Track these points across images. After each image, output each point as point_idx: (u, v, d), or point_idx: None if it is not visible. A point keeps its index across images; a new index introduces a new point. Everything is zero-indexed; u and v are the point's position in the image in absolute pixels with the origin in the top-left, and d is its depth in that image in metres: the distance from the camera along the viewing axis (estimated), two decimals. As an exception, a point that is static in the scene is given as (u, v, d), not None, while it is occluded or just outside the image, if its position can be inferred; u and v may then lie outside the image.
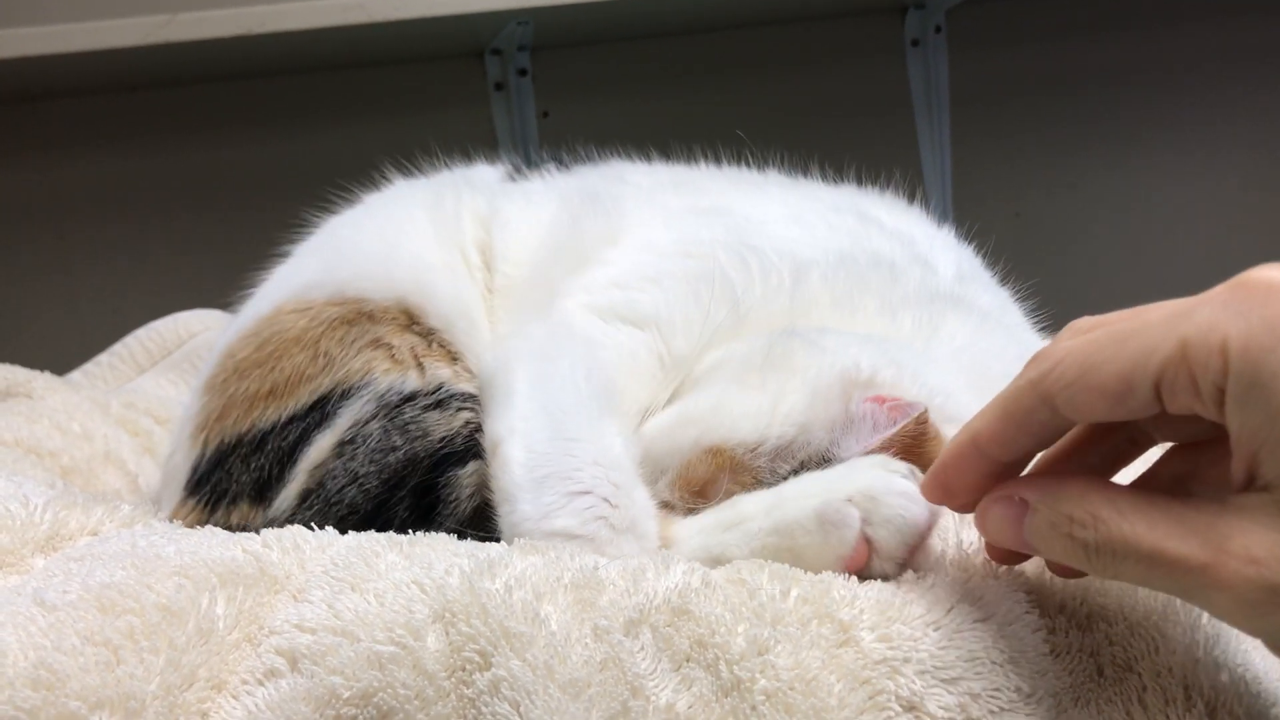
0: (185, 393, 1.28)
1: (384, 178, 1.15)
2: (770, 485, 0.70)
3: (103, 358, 1.40)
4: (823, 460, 0.71)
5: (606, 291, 0.89)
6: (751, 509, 0.66)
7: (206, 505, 0.83)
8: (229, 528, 0.71)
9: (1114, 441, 0.56)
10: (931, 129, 2.50)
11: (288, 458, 0.81)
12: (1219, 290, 0.45)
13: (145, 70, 2.02)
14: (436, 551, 0.61)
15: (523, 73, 2.33)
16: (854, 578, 0.60)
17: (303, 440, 0.81)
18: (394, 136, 2.26)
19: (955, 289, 0.90)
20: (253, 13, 1.81)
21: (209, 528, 0.66)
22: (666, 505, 0.72)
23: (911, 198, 1.10)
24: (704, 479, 0.71)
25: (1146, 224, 2.52)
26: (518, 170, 1.15)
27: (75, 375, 1.37)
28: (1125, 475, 0.56)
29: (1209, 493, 0.48)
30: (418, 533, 0.65)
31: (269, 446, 0.82)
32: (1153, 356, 0.45)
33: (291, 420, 0.83)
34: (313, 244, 1.03)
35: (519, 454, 0.72)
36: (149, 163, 2.19)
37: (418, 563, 0.59)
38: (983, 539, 0.59)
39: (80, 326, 2.17)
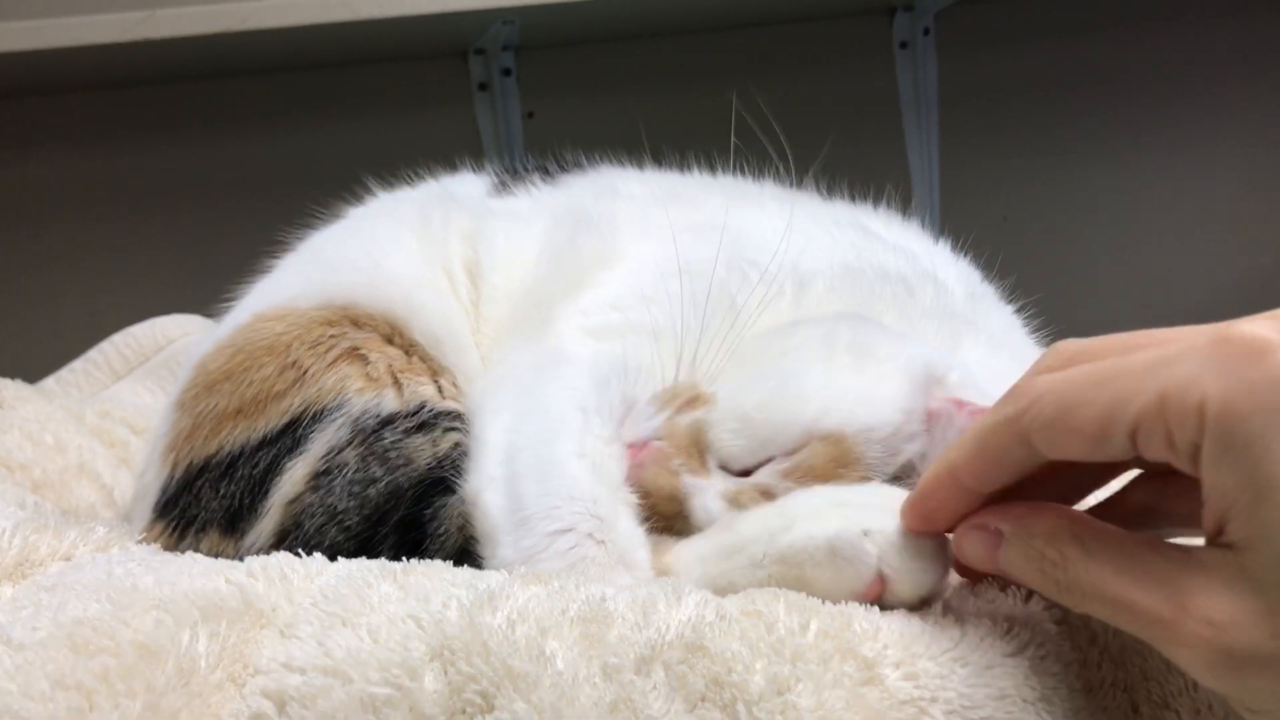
0: (163, 400, 1.24)
1: (365, 189, 1.11)
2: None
3: (77, 364, 1.35)
4: (909, 465, 0.68)
5: (602, 314, 0.86)
6: (753, 531, 0.62)
7: (175, 530, 0.79)
8: None
9: (1090, 467, 0.55)
10: (920, 131, 2.48)
11: (259, 487, 0.77)
12: (1203, 341, 0.44)
13: (123, 67, 1.97)
14: (433, 581, 0.57)
15: (507, 73, 2.29)
16: (875, 607, 0.56)
17: (274, 469, 0.77)
18: (376, 136, 2.23)
19: (967, 308, 0.87)
20: (234, 9, 1.77)
21: (190, 554, 0.63)
22: (765, 494, 0.68)
23: (899, 200, 1.07)
24: (824, 474, 0.67)
25: (1136, 227, 2.50)
26: (503, 182, 1.11)
27: (48, 382, 1.32)
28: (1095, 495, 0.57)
29: (1174, 526, 0.51)
30: (412, 560, 0.62)
31: (239, 473, 0.78)
32: (1130, 405, 0.44)
33: (262, 444, 0.78)
34: (295, 259, 1.00)
35: (497, 499, 0.69)
36: (127, 162, 2.14)
37: (413, 594, 0.55)
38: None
39: (54, 331, 2.11)
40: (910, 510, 0.57)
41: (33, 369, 1.38)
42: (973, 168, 2.46)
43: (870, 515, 0.58)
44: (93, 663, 0.48)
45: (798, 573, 0.58)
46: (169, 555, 0.63)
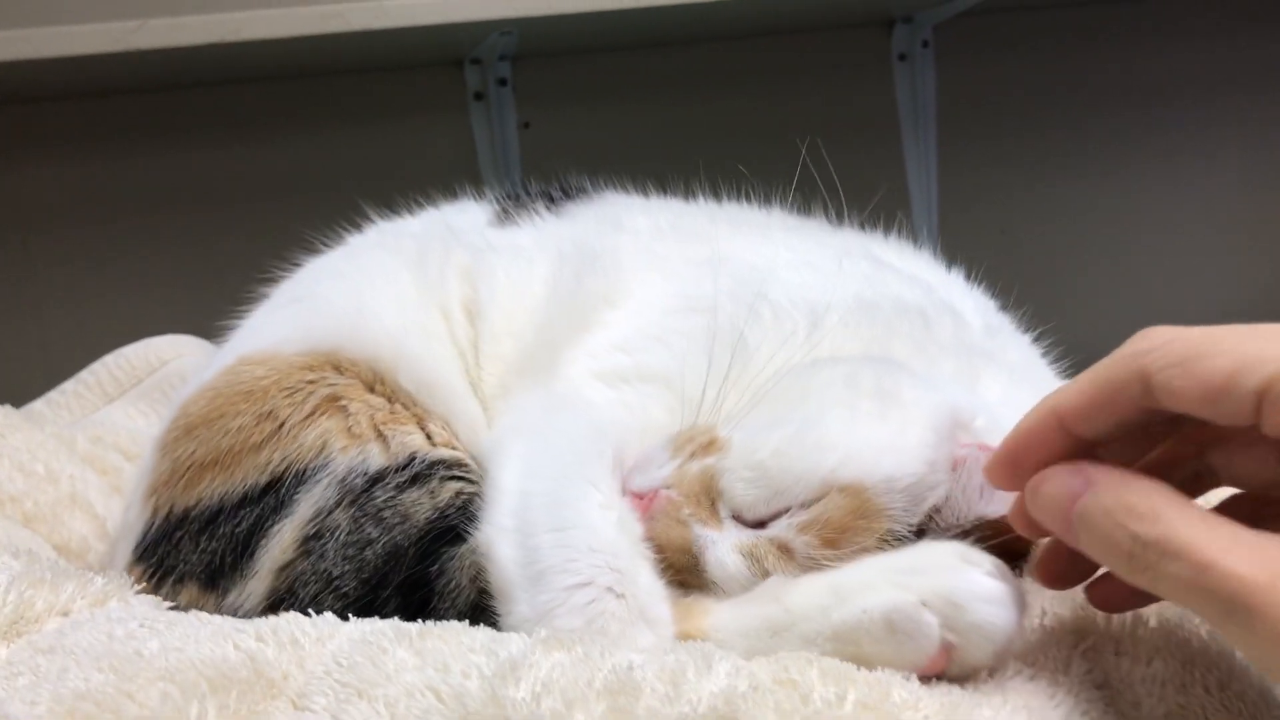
0: (156, 425, 1.21)
1: (363, 216, 1.08)
2: (901, 537, 0.63)
3: (67, 385, 1.32)
4: (935, 511, 0.65)
5: (611, 356, 0.83)
6: (804, 606, 0.59)
7: (153, 576, 0.76)
8: (177, 608, 0.66)
9: (1181, 472, 0.54)
10: (918, 144, 2.46)
11: (243, 549, 0.74)
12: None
13: (116, 77, 1.93)
14: (450, 646, 0.55)
15: (503, 83, 2.27)
16: (914, 676, 0.54)
17: (258, 531, 0.74)
18: (371, 146, 2.20)
19: (986, 342, 0.85)
20: (227, 20, 1.74)
21: (195, 614, 0.60)
22: (782, 547, 0.65)
23: (897, 214, 1.05)
24: (841, 526, 0.64)
25: (1134, 239, 2.49)
26: (505, 211, 1.08)
27: (38, 405, 1.29)
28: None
29: None
30: (427, 621, 0.59)
31: (220, 530, 0.75)
32: (1266, 365, 0.44)
33: (243, 502, 0.76)
34: (290, 292, 0.97)
35: (511, 551, 0.66)
36: (119, 173, 2.10)
37: (430, 662, 0.53)
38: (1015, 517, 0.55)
39: (43, 351, 2.08)
40: (999, 460, 0.54)
41: (17, 387, 1.35)
42: (971, 180, 2.45)
43: (927, 580, 0.55)
44: (96, 743, 0.46)
45: (855, 650, 0.55)
46: (173, 615, 0.60)
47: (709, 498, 0.68)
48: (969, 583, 0.54)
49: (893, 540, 0.64)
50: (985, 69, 2.45)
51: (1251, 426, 0.45)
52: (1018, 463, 0.53)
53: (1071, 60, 2.46)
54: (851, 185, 1.04)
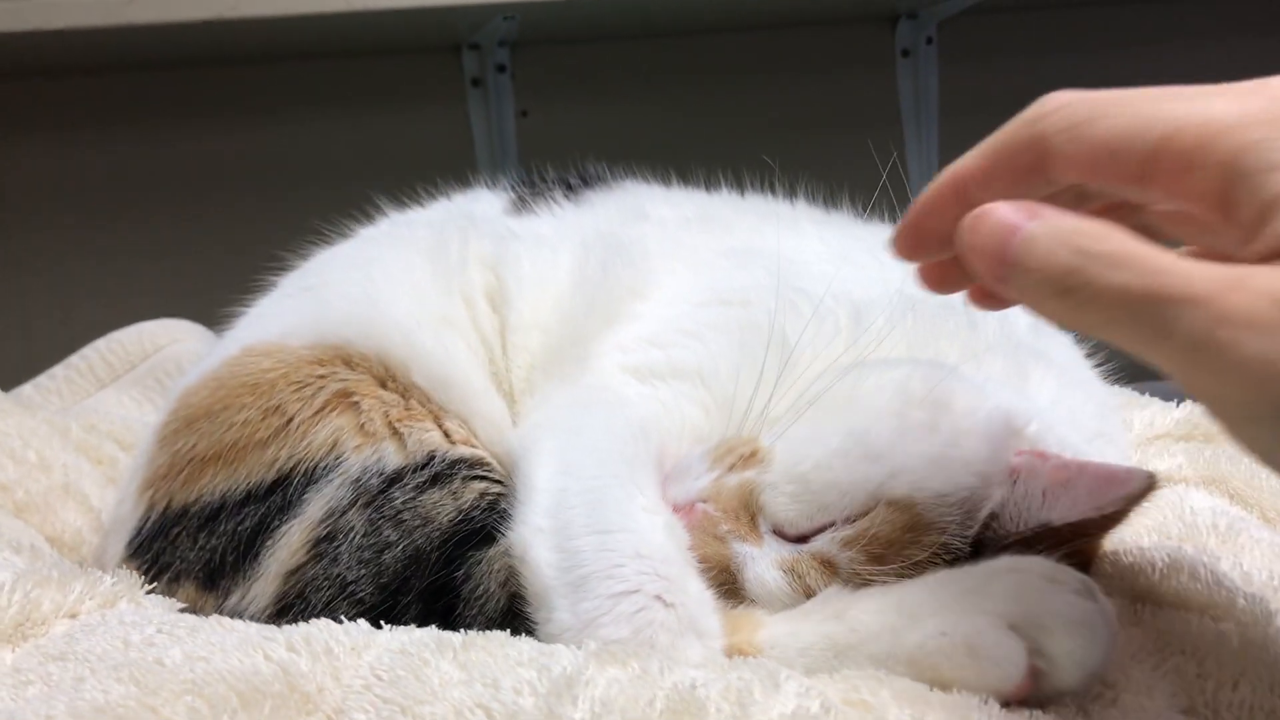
0: (150, 413, 1.17)
1: (375, 207, 1.04)
2: (955, 549, 0.59)
3: (58, 370, 1.27)
4: (992, 519, 0.61)
5: (642, 351, 0.79)
6: (871, 626, 0.55)
7: (148, 574, 0.72)
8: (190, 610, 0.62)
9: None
10: (920, 141, 2.44)
11: (246, 549, 0.70)
12: (1246, 86, 0.44)
13: (105, 53, 1.88)
14: (496, 659, 0.51)
15: (501, 69, 2.22)
16: (993, 700, 0.51)
17: (264, 530, 0.70)
18: (366, 131, 2.16)
19: (1031, 340, 0.81)
20: (224, -5, 1.69)
21: (217, 619, 0.56)
22: (825, 563, 0.61)
23: (898, 210, 1.02)
24: (889, 541, 0.60)
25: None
26: (522, 199, 1.04)
27: (27, 389, 1.24)
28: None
29: None
30: (474, 627, 0.55)
31: (222, 529, 0.71)
32: (1156, 126, 0.43)
33: (247, 500, 0.72)
34: (298, 282, 0.93)
35: (548, 555, 0.61)
36: (109, 153, 2.05)
37: (478, 676, 0.49)
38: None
39: (30, 335, 2.02)
40: (903, 232, 0.53)
41: (7, 375, 1.30)
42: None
43: (1011, 601, 0.51)
44: (120, 764, 0.42)
45: (932, 675, 0.52)
46: (193, 620, 0.56)
47: (748, 512, 0.64)
48: (1057, 604, 0.51)
49: (945, 553, 0.61)
50: (988, 66, 2.42)
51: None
52: (920, 232, 0.52)
53: (1074, 59, 2.44)
54: (852, 181, 1.01)
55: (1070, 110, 0.46)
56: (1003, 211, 0.46)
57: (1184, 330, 0.39)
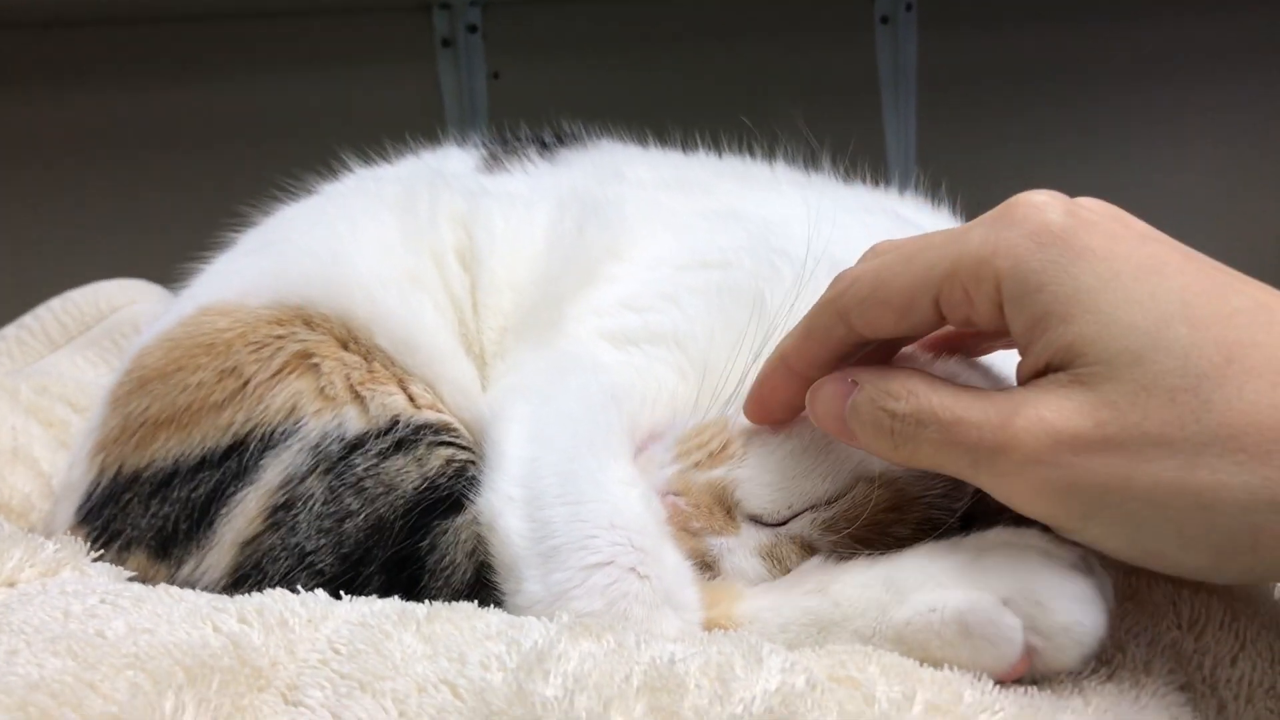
0: (106, 375, 1.13)
1: (341, 164, 1.00)
2: (941, 524, 0.57)
3: (9, 330, 1.22)
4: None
5: (618, 314, 0.76)
6: (856, 601, 0.53)
7: (98, 541, 0.69)
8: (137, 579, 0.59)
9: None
10: (897, 109, 2.41)
11: (200, 516, 0.66)
12: (991, 214, 0.51)
13: (62, 7, 1.82)
14: (463, 632, 0.48)
15: (473, 29, 2.17)
16: (986, 676, 0.48)
17: (218, 498, 0.66)
18: (333, 91, 2.11)
19: None
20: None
21: (164, 587, 0.52)
22: (805, 546, 0.59)
23: (875, 178, 1.00)
24: (871, 521, 0.57)
25: (1115, 215, 2.47)
26: (494, 156, 1.00)
27: (-24, 350, 1.20)
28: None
29: None
30: (440, 599, 0.52)
31: (174, 495, 0.68)
32: (933, 273, 0.51)
33: (201, 465, 0.68)
34: (258, 239, 0.89)
35: (518, 524, 0.59)
36: (66, 109, 1.99)
37: (443, 650, 0.46)
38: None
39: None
40: (751, 403, 0.61)
41: (-43, 334, 1.25)
42: (950, 148, 2.40)
43: (1005, 576, 0.49)
44: (53, 744, 0.39)
45: (922, 654, 0.49)
46: (139, 590, 0.52)
47: (723, 507, 0.62)
48: (1054, 578, 0.48)
49: (931, 526, 0.58)
50: (969, 36, 2.40)
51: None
52: (765, 405, 0.61)
53: (1057, 32, 2.42)
54: (828, 147, 0.98)
55: (859, 286, 0.54)
56: (828, 389, 0.55)
57: (983, 471, 0.48)
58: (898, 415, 0.51)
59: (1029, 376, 0.49)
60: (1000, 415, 0.47)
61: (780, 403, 0.60)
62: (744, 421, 0.64)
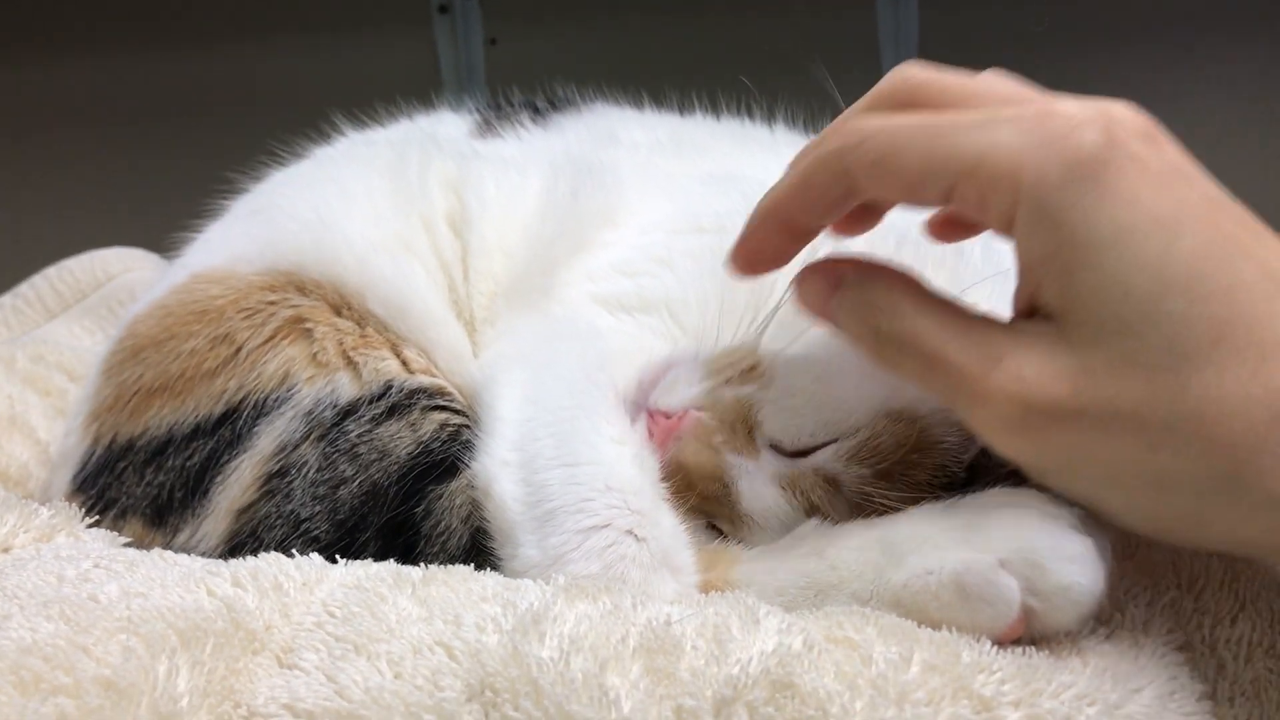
0: (103, 344, 1.13)
1: (332, 126, 0.99)
2: (952, 474, 0.57)
3: (5, 299, 1.21)
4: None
5: (612, 279, 0.76)
6: (853, 564, 0.53)
7: (93, 509, 0.68)
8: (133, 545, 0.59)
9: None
10: (898, 79, 2.40)
11: (195, 484, 0.66)
12: (1029, 112, 0.47)
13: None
14: (458, 595, 0.48)
15: (470, -6, 2.16)
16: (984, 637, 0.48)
17: (213, 466, 0.66)
18: (328, 57, 2.09)
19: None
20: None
21: (157, 551, 0.52)
22: (829, 480, 0.58)
23: None
24: (893, 456, 0.57)
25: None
26: (487, 121, 0.99)
27: (-28, 319, 1.19)
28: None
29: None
30: (434, 564, 0.52)
31: (169, 464, 0.67)
32: (951, 161, 0.47)
33: (195, 434, 0.68)
34: (250, 205, 0.88)
35: (514, 488, 0.59)
36: (60, 77, 1.97)
37: (439, 613, 0.46)
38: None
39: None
40: (737, 253, 0.57)
41: (-48, 304, 1.25)
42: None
43: (1002, 536, 0.49)
44: (45, 707, 0.38)
45: (919, 616, 0.49)
46: (133, 554, 0.52)
47: (745, 426, 0.61)
48: (1052, 539, 0.48)
49: (944, 476, 0.58)
50: (970, 9, 2.38)
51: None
52: (751, 254, 0.57)
53: (1060, 4, 2.40)
54: (829, 118, 0.97)
55: (873, 144, 0.49)
56: (814, 281, 0.54)
57: (958, 408, 0.48)
58: (881, 332, 0.50)
59: (1022, 309, 0.48)
60: (980, 364, 0.46)
61: (770, 256, 0.57)
62: (771, 348, 0.64)
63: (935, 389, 0.49)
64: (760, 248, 0.56)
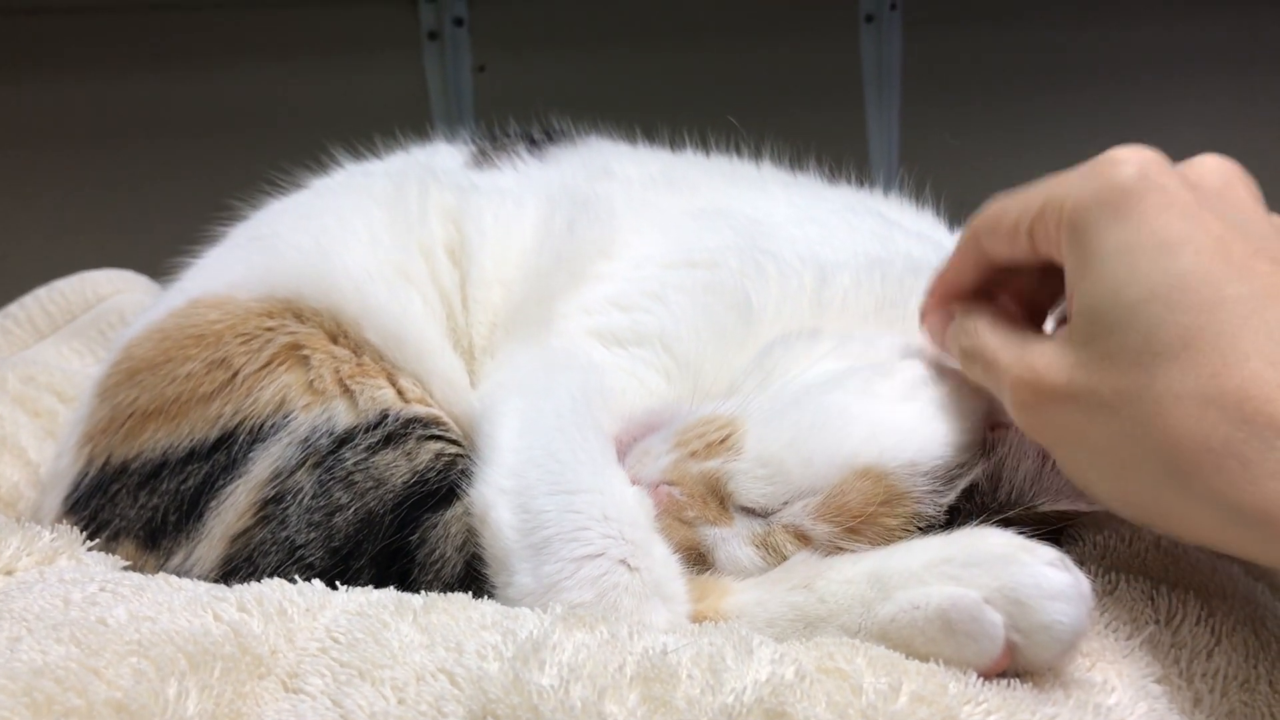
0: (92, 365, 1.13)
1: (330, 158, 1.00)
2: (931, 518, 0.59)
3: (-6, 320, 1.22)
4: (973, 490, 0.61)
5: (607, 313, 0.77)
6: (841, 598, 0.54)
7: (85, 531, 0.69)
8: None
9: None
10: (881, 109, 2.42)
11: (189, 509, 0.67)
12: (1087, 164, 0.54)
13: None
14: (459, 623, 0.49)
15: (459, 22, 2.17)
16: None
17: (207, 490, 0.67)
18: (318, 82, 2.10)
19: None
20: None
21: (162, 576, 0.53)
22: (799, 535, 0.60)
23: (859, 179, 1.01)
24: (861, 514, 0.59)
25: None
26: (483, 152, 1.01)
27: (-39, 339, 1.19)
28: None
29: None
30: (430, 592, 0.53)
31: (163, 487, 0.68)
32: (1029, 209, 0.56)
33: (190, 458, 0.69)
34: (248, 233, 0.89)
35: (510, 516, 0.60)
36: (55, 99, 1.97)
37: (440, 640, 0.47)
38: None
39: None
40: (931, 312, 0.66)
41: (-60, 324, 1.25)
42: (933, 148, 2.41)
43: (985, 573, 0.50)
44: (59, 728, 0.39)
45: (906, 649, 0.50)
46: (138, 579, 0.53)
47: (717, 498, 0.63)
48: (1034, 576, 0.49)
49: (920, 521, 0.60)
50: (953, 36, 2.41)
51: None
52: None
53: (1041, 31, 2.43)
54: (815, 144, 0.99)
55: (987, 213, 0.60)
56: (933, 321, 0.65)
57: (1005, 400, 0.56)
58: (964, 348, 0.60)
59: (1060, 320, 0.57)
60: (1012, 360, 0.55)
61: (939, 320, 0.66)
62: (744, 415, 0.66)
63: (990, 385, 0.58)
64: (941, 308, 0.65)
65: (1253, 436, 0.45)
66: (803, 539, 0.60)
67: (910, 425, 0.62)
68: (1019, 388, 0.54)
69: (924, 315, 0.66)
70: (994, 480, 0.61)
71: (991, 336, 0.58)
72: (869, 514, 0.59)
